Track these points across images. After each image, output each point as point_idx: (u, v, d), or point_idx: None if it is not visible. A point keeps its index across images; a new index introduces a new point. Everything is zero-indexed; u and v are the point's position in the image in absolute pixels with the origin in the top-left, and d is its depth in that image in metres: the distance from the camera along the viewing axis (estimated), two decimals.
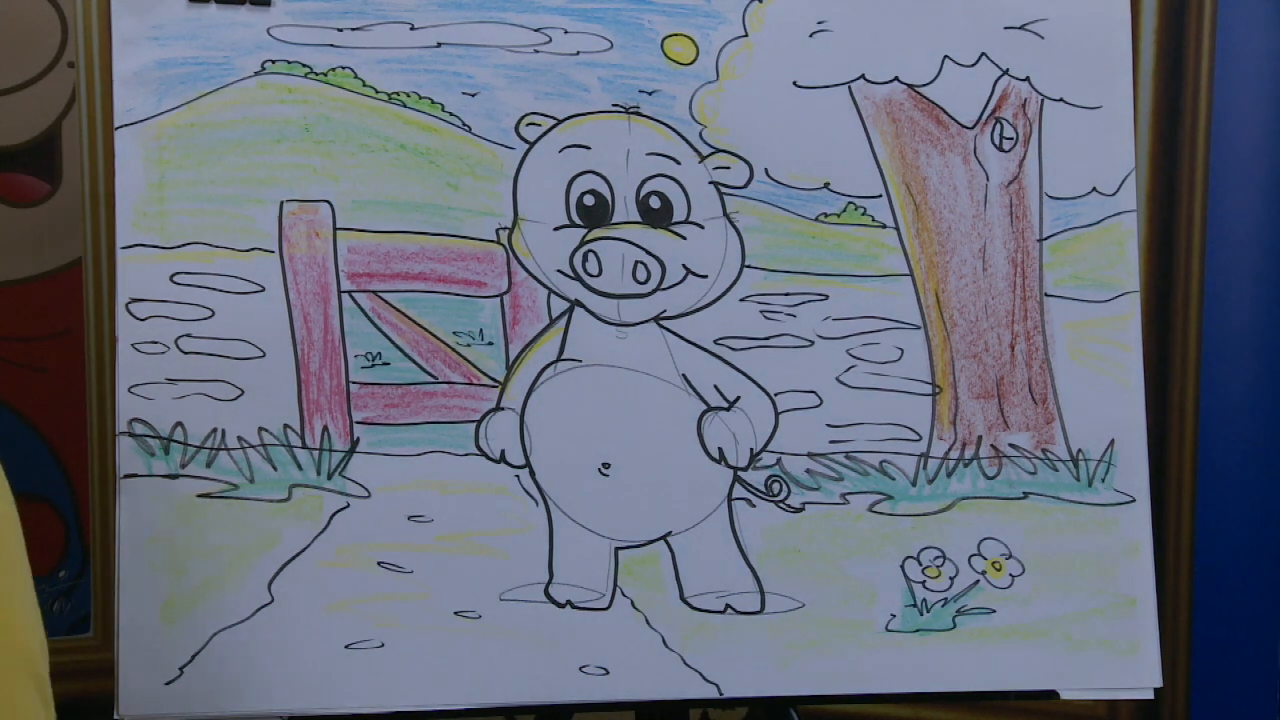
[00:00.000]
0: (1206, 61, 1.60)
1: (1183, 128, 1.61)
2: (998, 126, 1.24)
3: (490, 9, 1.18)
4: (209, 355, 1.15)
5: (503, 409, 1.18)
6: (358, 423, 1.16)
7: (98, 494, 1.55)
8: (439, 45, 1.18)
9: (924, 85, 1.23)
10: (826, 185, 1.21)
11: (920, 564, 1.21)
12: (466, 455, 1.17)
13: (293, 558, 1.15)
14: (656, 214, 1.19)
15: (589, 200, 1.19)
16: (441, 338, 1.17)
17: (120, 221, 1.15)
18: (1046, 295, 1.24)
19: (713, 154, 1.20)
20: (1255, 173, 1.61)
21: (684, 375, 1.19)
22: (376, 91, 1.17)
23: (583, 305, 1.19)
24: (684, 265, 1.20)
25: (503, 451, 1.18)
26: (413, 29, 1.17)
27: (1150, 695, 1.23)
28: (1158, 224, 1.62)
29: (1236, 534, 1.61)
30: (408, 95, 1.17)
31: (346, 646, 1.15)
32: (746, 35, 1.21)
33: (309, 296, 1.16)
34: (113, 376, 1.23)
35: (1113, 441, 1.24)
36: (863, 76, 1.22)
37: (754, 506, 1.20)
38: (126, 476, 1.14)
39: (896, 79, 1.23)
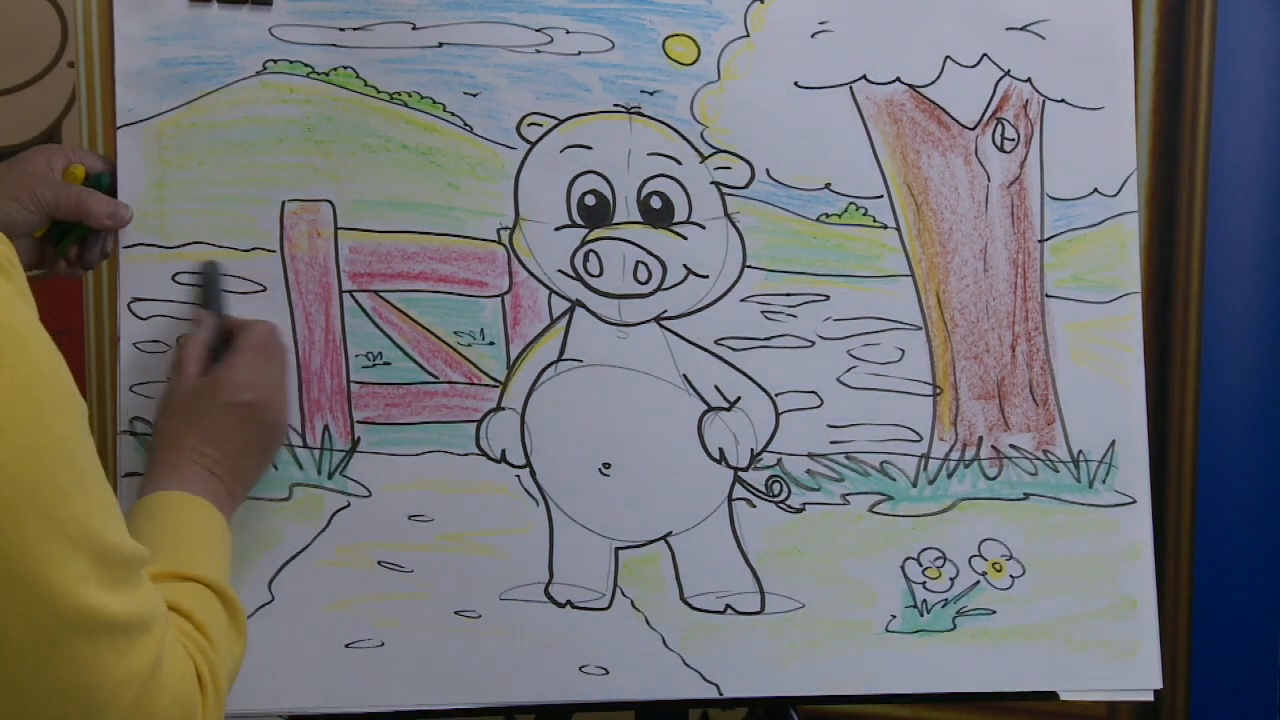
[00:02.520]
0: (1206, 61, 1.60)
1: (1183, 128, 1.61)
2: (999, 127, 1.24)
3: (492, 9, 1.18)
4: None
5: (503, 409, 1.18)
6: (358, 422, 1.16)
7: None
8: (440, 45, 1.17)
9: (925, 86, 1.23)
10: (828, 186, 1.21)
11: (920, 565, 1.21)
12: (467, 455, 1.17)
13: (293, 557, 1.15)
14: (657, 214, 1.19)
15: (590, 200, 1.19)
16: (442, 337, 1.17)
17: None
18: (1047, 296, 1.24)
19: (714, 154, 1.20)
20: (1255, 173, 1.61)
21: (685, 375, 1.19)
22: (378, 91, 1.17)
23: (583, 305, 1.19)
24: (685, 265, 1.19)
25: (503, 451, 1.17)
26: (414, 29, 1.17)
27: (1150, 696, 1.23)
28: (1158, 224, 1.63)
29: (1236, 534, 1.61)
30: (409, 95, 1.17)
31: (346, 646, 1.15)
32: (748, 35, 1.21)
33: (310, 296, 1.16)
34: (113, 376, 1.23)
35: (1113, 443, 1.24)
36: (864, 77, 1.22)
37: (754, 507, 1.20)
38: (127, 476, 1.14)
39: (898, 79, 1.23)
